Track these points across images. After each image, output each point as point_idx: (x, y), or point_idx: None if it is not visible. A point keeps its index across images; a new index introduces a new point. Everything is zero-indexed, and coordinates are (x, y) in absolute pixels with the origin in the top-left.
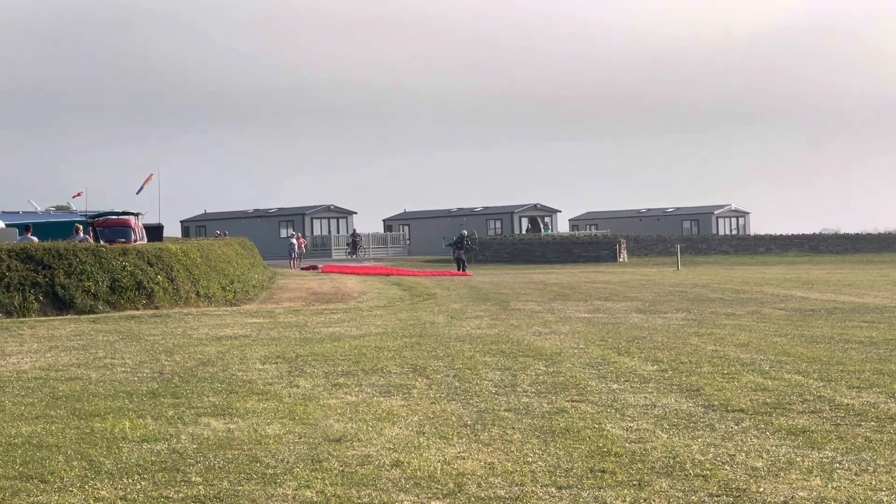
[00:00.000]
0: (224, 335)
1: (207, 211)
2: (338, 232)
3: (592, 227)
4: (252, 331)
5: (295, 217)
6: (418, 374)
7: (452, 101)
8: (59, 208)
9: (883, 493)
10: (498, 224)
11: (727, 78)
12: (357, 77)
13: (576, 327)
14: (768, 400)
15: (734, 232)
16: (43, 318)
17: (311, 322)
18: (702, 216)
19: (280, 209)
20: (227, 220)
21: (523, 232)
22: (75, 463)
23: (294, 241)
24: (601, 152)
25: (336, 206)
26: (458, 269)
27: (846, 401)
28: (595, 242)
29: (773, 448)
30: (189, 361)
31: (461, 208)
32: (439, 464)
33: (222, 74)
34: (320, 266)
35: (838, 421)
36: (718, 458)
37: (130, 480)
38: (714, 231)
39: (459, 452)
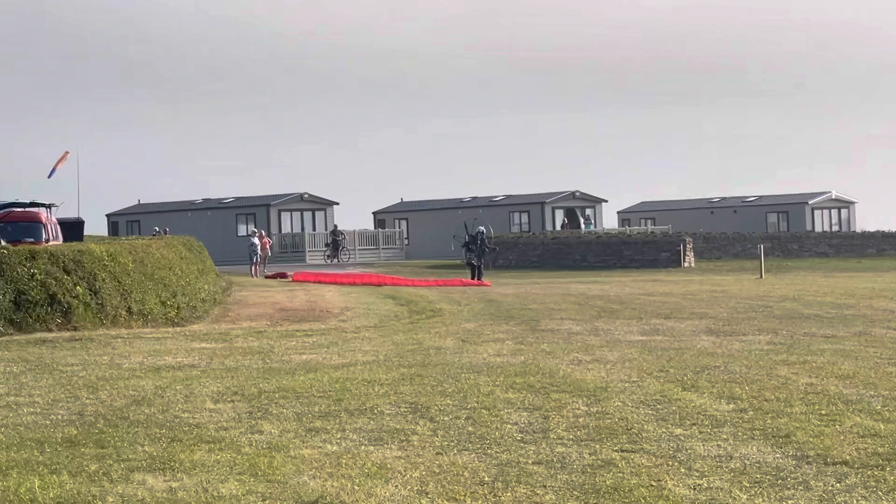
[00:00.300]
0: (164, 365)
1: (142, 202)
2: (313, 229)
3: (648, 221)
4: (201, 359)
5: (258, 209)
6: (420, 416)
7: (460, 58)
8: None
9: None
10: (524, 218)
11: (839, 31)
12: (336, 31)
13: (627, 354)
14: (880, 449)
15: (835, 228)
16: None
17: (278, 347)
18: (792, 207)
19: (238, 199)
20: (168, 214)
21: (557, 228)
22: None
23: (256, 240)
24: (658, 124)
25: (311, 195)
26: (473, 277)
27: None
28: (652, 242)
29: None
30: (118, 399)
31: (476, 197)
32: None
33: (164, 29)
34: (291, 273)
35: None
36: None
37: None
38: (808, 226)
39: None
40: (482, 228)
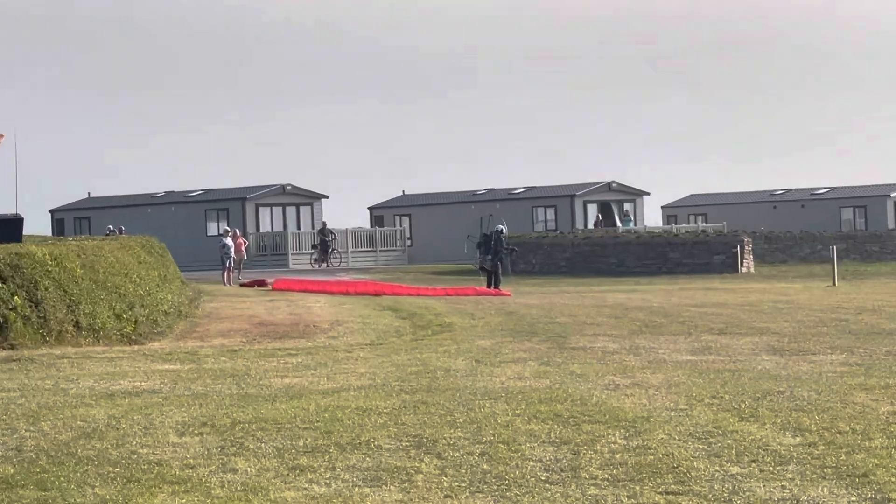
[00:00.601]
0: (119, 390)
1: (93, 195)
2: (298, 227)
3: (698, 218)
4: (164, 383)
5: (231, 203)
6: (425, 452)
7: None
8: None
9: None
10: (550, 214)
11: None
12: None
13: (673, 376)
14: None
15: None
16: None
17: (255, 369)
18: (871, 201)
19: (207, 191)
20: (123, 210)
21: (590, 226)
22: None
23: (229, 241)
24: (710, 105)
25: (295, 187)
26: (489, 286)
27: None
28: (703, 243)
29: None
30: (64, 432)
31: (492, 189)
32: None
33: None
34: (270, 281)
35: None
36: None
37: None
38: (891, 224)
39: None
40: (501, 227)
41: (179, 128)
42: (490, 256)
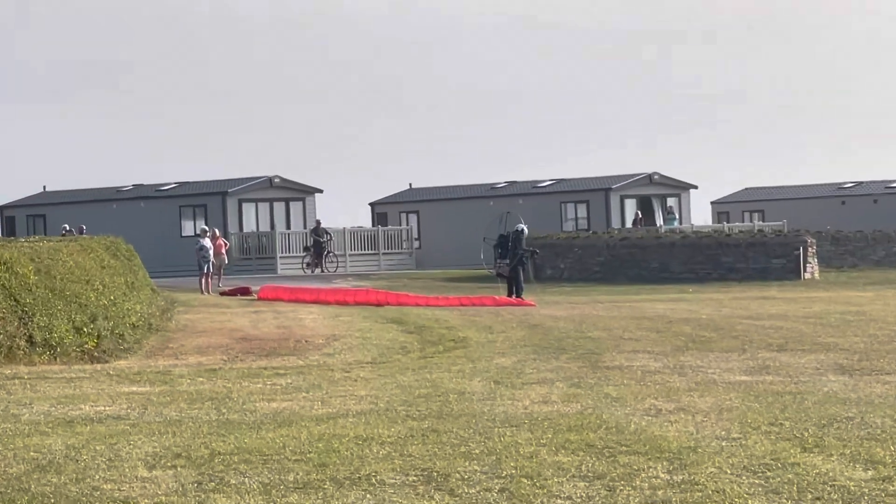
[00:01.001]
0: (80, 416)
1: (48, 189)
2: (287, 226)
3: (754, 215)
4: (131, 408)
5: (210, 199)
6: (436, 488)
7: None
8: None
9: None
10: (581, 210)
11: None
12: None
13: (724, 400)
14: None
15: None
16: None
17: (238, 391)
18: None
19: (182, 185)
20: (84, 206)
21: (628, 225)
22: None
23: (207, 242)
24: (768, 83)
25: (284, 180)
26: (510, 294)
27: None
28: (759, 244)
29: None
30: (16, 465)
31: (514, 182)
32: None
33: None
34: (255, 289)
35: None
36: None
37: None
38: None
39: None
40: (521, 227)
41: (149, 111)
42: (508, 260)
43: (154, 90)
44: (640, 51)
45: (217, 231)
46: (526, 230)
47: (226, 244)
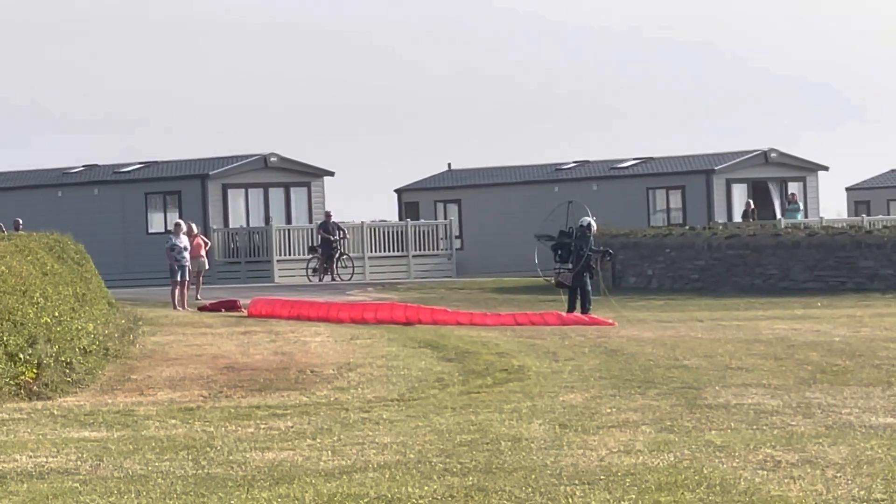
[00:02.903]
0: (14, 470)
1: None
2: (288, 220)
3: None
4: (82, 459)
5: (185, 184)
6: None
7: None
8: None
9: None
10: (675, 199)
11: None
12: None
13: (863, 450)
14: None
15: None
16: None
17: (222, 438)
18: None
19: (149, 165)
20: (19, 193)
21: (736, 218)
22: None
23: (183, 241)
24: None
25: (283, 159)
26: (572, 309)
27: None
28: None
29: None
30: None
31: (586, 162)
32: None
33: None
34: (245, 302)
35: None
36: None
37: None
38: None
39: None
40: (588, 220)
41: (107, 68)
42: (571, 265)
43: (109, 36)
44: None
45: (195, 226)
46: (594, 225)
47: (206, 243)
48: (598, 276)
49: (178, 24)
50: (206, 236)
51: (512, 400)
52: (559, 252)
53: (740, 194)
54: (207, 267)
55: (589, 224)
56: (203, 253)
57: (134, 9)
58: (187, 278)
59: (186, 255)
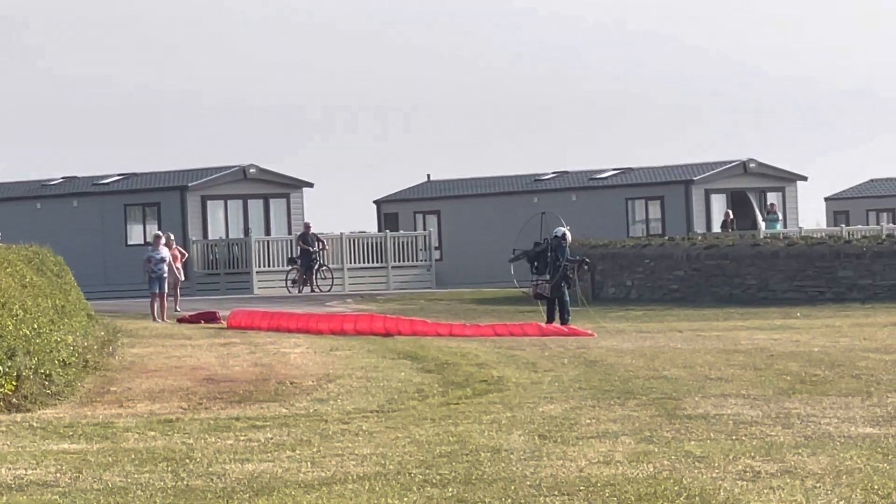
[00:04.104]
0: None
1: None
2: (267, 231)
3: (882, 215)
4: (61, 472)
5: (165, 196)
6: None
7: None
8: None
9: None
10: (654, 210)
11: None
12: None
13: (843, 460)
14: None
15: None
16: None
17: (202, 450)
18: None
19: (128, 177)
20: None
21: (716, 229)
22: None
23: (160, 252)
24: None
25: (262, 170)
26: (551, 320)
27: None
28: (889, 254)
29: None
30: None
31: (564, 172)
32: None
33: None
34: (224, 314)
35: None
36: None
37: None
38: None
39: None
40: (563, 230)
41: (83, 79)
42: (549, 276)
43: (86, 52)
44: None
45: (172, 237)
46: (569, 235)
47: (182, 255)
48: (577, 287)
49: (156, 36)
50: (185, 248)
51: (491, 411)
52: (535, 264)
53: (719, 205)
54: (182, 279)
55: (564, 234)
56: (178, 265)
57: (115, 18)
58: (166, 291)
59: (165, 266)
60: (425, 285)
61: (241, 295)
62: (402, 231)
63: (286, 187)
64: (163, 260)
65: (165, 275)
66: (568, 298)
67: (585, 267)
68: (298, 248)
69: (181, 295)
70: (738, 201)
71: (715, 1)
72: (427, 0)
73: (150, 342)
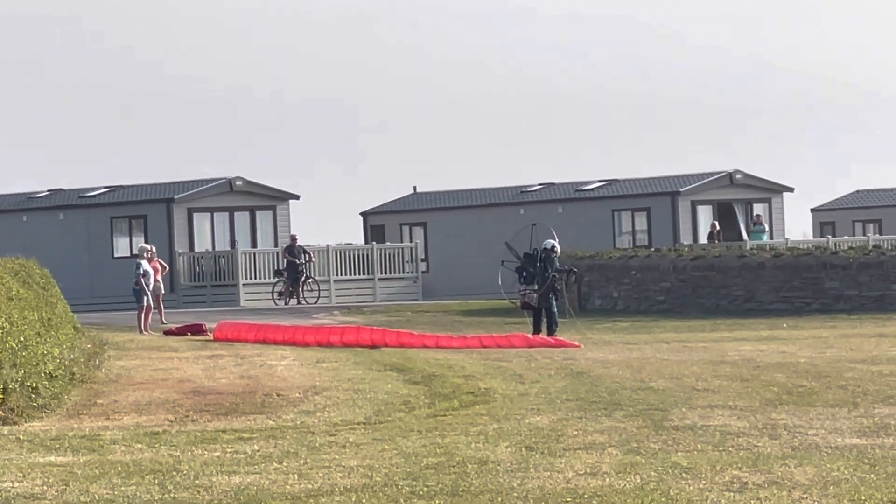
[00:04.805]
0: None
1: None
2: (253, 243)
3: (869, 227)
4: (48, 484)
5: (151, 208)
6: None
7: None
8: None
9: None
10: (641, 221)
11: None
12: None
13: (830, 471)
14: None
15: None
16: None
17: (189, 462)
18: None
19: (113, 190)
20: None
21: (702, 240)
22: None
23: (144, 266)
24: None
25: (249, 183)
26: (537, 331)
27: None
28: (875, 265)
29: None
30: None
31: (551, 184)
32: None
33: None
34: (210, 326)
35: None
36: None
37: None
38: None
39: None
40: (552, 243)
41: (71, 94)
42: (537, 286)
43: (75, 65)
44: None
45: (153, 249)
46: (558, 247)
47: (164, 267)
48: (564, 298)
49: (139, 47)
50: (161, 260)
51: (478, 422)
52: (524, 274)
53: (706, 216)
54: (162, 291)
55: (553, 246)
56: (158, 277)
57: (95, 33)
58: (149, 305)
59: (151, 279)
60: (412, 297)
61: (228, 307)
62: (388, 243)
63: (273, 199)
64: (148, 272)
65: (152, 285)
66: (556, 310)
67: (573, 276)
68: (285, 260)
69: (166, 307)
70: (725, 213)
71: (701, 9)
72: (413, 10)
73: (137, 355)
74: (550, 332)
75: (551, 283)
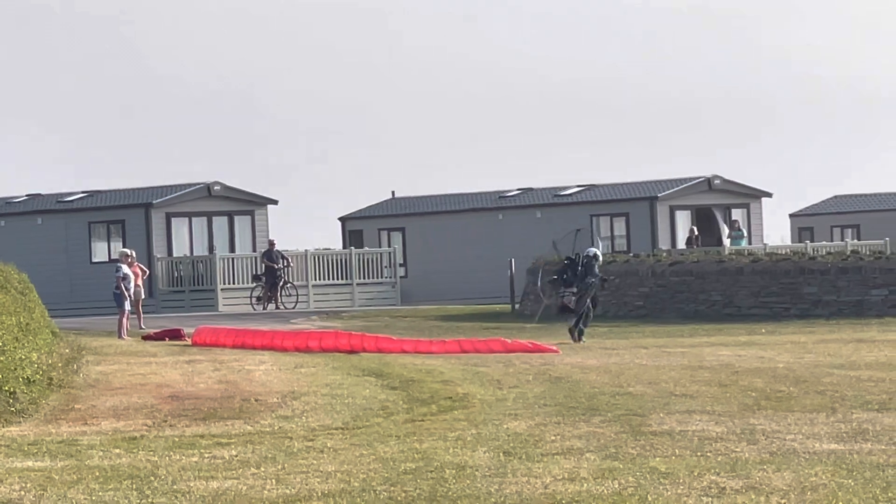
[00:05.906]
0: None
1: None
2: (232, 248)
3: (847, 232)
4: (25, 489)
5: (129, 213)
6: None
7: None
8: None
9: None
10: (619, 226)
11: None
12: None
13: (808, 476)
14: None
15: None
16: None
17: (166, 467)
18: None
19: (92, 194)
20: None
21: (680, 245)
22: None
23: (124, 270)
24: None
25: (227, 188)
26: (579, 323)
27: None
28: (854, 270)
29: None
30: None
31: (529, 189)
32: None
33: None
34: (189, 331)
35: None
36: None
37: None
38: None
39: None
40: (594, 251)
41: (48, 98)
42: (575, 290)
43: (50, 70)
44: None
45: (132, 254)
46: (600, 255)
47: (143, 272)
48: (598, 305)
49: (117, 52)
50: (141, 265)
51: (456, 428)
52: (564, 276)
53: (684, 221)
54: (143, 296)
55: (595, 254)
56: (139, 282)
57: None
58: (129, 311)
59: (132, 284)
60: (390, 302)
61: (206, 312)
62: (366, 248)
63: (251, 204)
64: (128, 277)
65: (132, 289)
66: (591, 314)
67: (606, 284)
68: (263, 265)
69: (144, 312)
70: (705, 217)
71: (680, 19)
72: (389, 16)
73: (115, 359)
74: (580, 333)
75: (589, 288)
